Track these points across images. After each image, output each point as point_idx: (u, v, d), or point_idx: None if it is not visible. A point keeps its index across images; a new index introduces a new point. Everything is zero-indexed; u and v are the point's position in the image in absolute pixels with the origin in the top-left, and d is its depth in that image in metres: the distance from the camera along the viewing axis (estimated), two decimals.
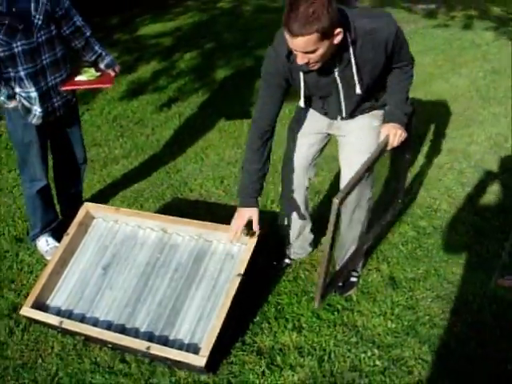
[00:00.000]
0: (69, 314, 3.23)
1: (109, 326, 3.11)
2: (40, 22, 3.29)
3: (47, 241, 3.95)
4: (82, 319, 3.19)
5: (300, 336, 3.12)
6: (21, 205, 4.57)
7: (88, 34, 3.64)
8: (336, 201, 2.65)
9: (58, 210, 4.12)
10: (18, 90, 3.40)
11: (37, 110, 3.45)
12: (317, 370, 2.92)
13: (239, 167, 4.84)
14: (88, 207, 3.59)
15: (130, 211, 3.62)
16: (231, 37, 8.65)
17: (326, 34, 2.43)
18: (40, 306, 3.25)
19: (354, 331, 3.14)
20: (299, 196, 3.33)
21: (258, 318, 3.26)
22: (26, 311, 3.21)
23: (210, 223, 3.35)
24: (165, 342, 2.98)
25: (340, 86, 2.83)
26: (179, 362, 2.84)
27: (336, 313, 3.26)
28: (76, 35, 3.58)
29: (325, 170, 4.58)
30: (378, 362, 2.94)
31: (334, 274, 3.22)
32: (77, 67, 3.71)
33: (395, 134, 2.89)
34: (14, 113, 3.48)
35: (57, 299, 3.33)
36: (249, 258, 3.09)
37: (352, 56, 2.66)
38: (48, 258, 3.83)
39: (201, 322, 3.03)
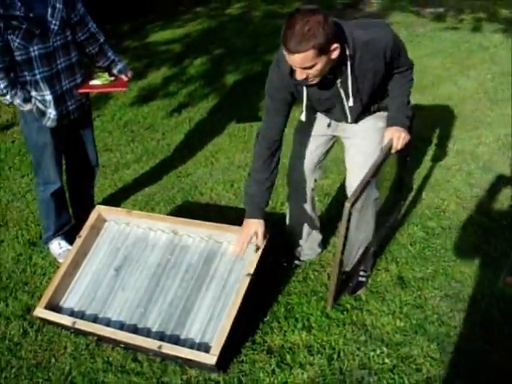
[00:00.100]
0: (82, 315, 3.28)
1: (121, 326, 3.16)
2: (56, 28, 3.37)
3: (60, 244, 4.00)
4: (95, 320, 3.24)
5: (309, 335, 3.16)
6: (34, 209, 4.63)
7: (102, 40, 3.72)
8: (347, 204, 2.72)
9: (71, 214, 4.18)
10: (33, 93, 3.48)
11: (51, 112, 3.52)
12: (326, 368, 2.95)
13: (249, 171, 4.88)
14: (100, 210, 3.64)
15: (141, 213, 3.67)
16: (240, 43, 8.70)
17: (322, 50, 2.50)
18: (53, 307, 3.31)
19: (363, 330, 3.17)
20: (306, 197, 3.38)
21: (268, 317, 3.30)
22: (40, 312, 3.26)
23: (219, 224, 3.40)
24: (176, 341, 3.02)
25: (344, 98, 2.89)
26: (190, 360, 2.88)
27: (345, 312, 3.29)
28: (90, 41, 3.66)
29: (334, 173, 4.62)
30: (386, 360, 2.97)
31: (344, 276, 3.27)
32: (90, 72, 3.79)
33: (399, 138, 2.94)
34: (29, 115, 3.55)
35: (70, 300, 3.38)
36: (258, 258, 3.13)
37: (349, 68, 2.72)
38: (60, 260, 3.89)
39: (211, 321, 3.07)
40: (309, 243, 3.63)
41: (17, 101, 3.44)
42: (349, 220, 2.83)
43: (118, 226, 3.64)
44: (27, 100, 3.46)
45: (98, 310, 3.29)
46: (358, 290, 3.43)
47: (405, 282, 3.48)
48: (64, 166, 3.94)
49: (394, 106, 3.03)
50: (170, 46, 8.93)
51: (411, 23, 8.87)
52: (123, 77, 3.82)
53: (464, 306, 3.28)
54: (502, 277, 3.39)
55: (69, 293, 3.41)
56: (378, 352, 3.02)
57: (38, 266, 3.96)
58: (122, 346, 3.12)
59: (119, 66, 3.82)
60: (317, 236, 3.64)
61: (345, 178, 3.29)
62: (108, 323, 3.20)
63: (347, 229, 2.88)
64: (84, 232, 3.55)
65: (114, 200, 4.62)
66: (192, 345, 2.99)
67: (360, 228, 3.25)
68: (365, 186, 2.83)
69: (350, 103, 2.89)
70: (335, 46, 2.55)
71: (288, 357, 3.03)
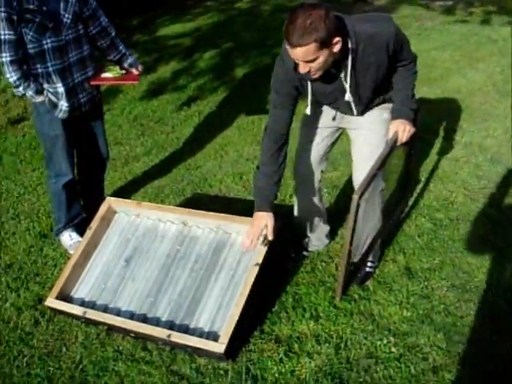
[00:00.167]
0: (92, 305, 3.33)
1: (131, 316, 3.21)
2: (68, 21, 3.43)
3: (71, 235, 4.05)
4: (105, 309, 3.29)
5: (317, 324, 3.19)
6: (45, 202, 4.68)
7: (113, 34, 3.77)
8: (355, 196, 2.77)
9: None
10: (45, 85, 3.53)
11: (63, 104, 3.57)
12: (333, 357, 2.98)
13: (257, 164, 4.91)
14: (110, 202, 3.69)
15: (151, 205, 3.72)
16: (249, 36, 8.73)
17: (324, 44, 2.54)
18: (64, 297, 3.36)
19: (371, 320, 3.19)
20: (313, 189, 3.41)
21: (276, 307, 3.33)
22: (51, 302, 3.32)
23: (228, 215, 3.44)
24: (185, 330, 3.06)
25: (348, 90, 2.92)
26: (199, 349, 2.92)
27: (353, 302, 3.32)
28: (102, 35, 3.71)
29: (342, 165, 4.65)
30: (393, 349, 3.00)
31: (352, 267, 3.30)
32: (102, 65, 3.84)
33: (404, 130, 2.97)
34: (41, 107, 3.61)
35: (80, 291, 3.43)
36: (266, 248, 3.16)
37: (350, 62, 2.76)
38: (71, 252, 3.93)
39: (220, 310, 3.11)
40: (317, 234, 3.66)
41: (29, 93, 3.49)
42: (357, 211, 2.86)
43: (128, 218, 3.68)
44: (39, 92, 3.51)
45: (108, 300, 3.34)
46: (366, 281, 3.46)
47: (412, 272, 3.51)
48: (75, 159, 3.98)
49: (398, 99, 3.06)
50: (179, 40, 8.97)
51: (420, 16, 8.87)
52: (134, 70, 3.86)
53: (471, 296, 3.30)
54: (509, 267, 3.41)
55: (79, 283, 3.46)
56: (385, 341, 3.04)
57: (49, 258, 4.01)
58: (132, 335, 3.16)
59: (130, 59, 3.86)
60: (324, 227, 3.67)
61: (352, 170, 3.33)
62: (118, 313, 3.25)
63: (355, 220, 2.92)
64: (94, 223, 3.59)
65: (124, 192, 4.66)
66: (201, 334, 3.03)
67: (367, 218, 3.27)
68: (372, 178, 2.86)
69: (347, 97, 2.92)
70: (337, 39, 2.59)
71: (296, 346, 3.06)
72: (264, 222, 3.09)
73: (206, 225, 3.49)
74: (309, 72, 2.68)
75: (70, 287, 3.42)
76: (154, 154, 5.46)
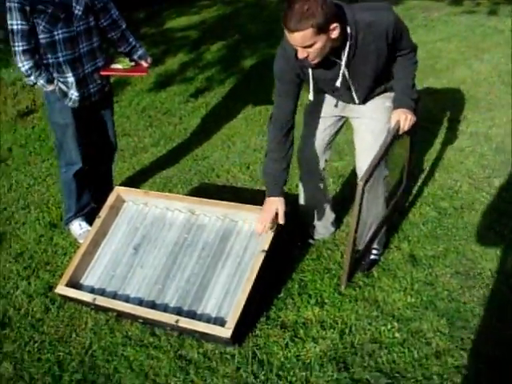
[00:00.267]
0: (101, 292, 3.39)
1: (140, 303, 3.27)
2: (80, 13, 3.50)
3: (80, 225, 4.11)
4: (114, 296, 3.35)
5: (322, 310, 3.24)
6: (54, 193, 4.76)
7: (124, 26, 3.85)
8: (361, 183, 2.81)
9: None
10: (55, 75, 3.61)
11: (73, 93, 3.64)
12: (338, 342, 3.03)
13: (265, 152, 4.96)
14: (119, 191, 3.75)
15: (158, 194, 3.77)
16: (256, 28, 8.76)
17: (321, 29, 2.59)
18: (74, 284, 3.42)
19: (375, 306, 3.24)
20: (318, 177, 3.47)
21: (282, 294, 3.38)
22: (61, 289, 3.38)
23: (235, 204, 3.49)
24: (193, 316, 3.12)
25: (348, 77, 2.97)
26: (206, 334, 2.98)
27: (357, 289, 3.37)
28: (112, 27, 3.79)
29: (348, 155, 4.68)
30: (397, 335, 3.04)
31: (357, 255, 3.34)
32: (112, 57, 3.92)
33: (406, 119, 3.01)
34: (51, 96, 3.68)
35: (90, 278, 3.49)
36: (272, 235, 3.21)
37: (347, 48, 2.81)
38: (81, 241, 3.99)
39: (227, 296, 3.17)
40: (322, 222, 3.71)
41: (40, 81, 3.56)
42: (362, 199, 2.91)
43: (136, 207, 3.74)
44: (50, 81, 3.58)
45: (117, 287, 3.40)
46: (371, 268, 3.50)
47: (416, 259, 3.55)
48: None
49: (399, 89, 3.10)
50: (186, 33, 9.02)
51: (427, 7, 8.86)
52: (143, 63, 3.92)
53: (474, 283, 3.34)
54: None
55: (89, 271, 3.52)
56: (389, 327, 3.09)
57: (58, 247, 4.08)
58: (141, 321, 3.22)
59: (140, 51, 3.92)
60: (330, 215, 3.72)
61: None
62: (127, 300, 3.31)
63: (360, 207, 2.96)
64: (103, 212, 3.65)
65: (133, 183, 4.72)
66: (208, 319, 3.09)
67: (371, 206, 3.31)
68: (376, 165, 2.90)
69: (338, 83, 2.97)
70: (334, 25, 2.63)
71: (301, 331, 3.12)
72: (275, 206, 3.15)
73: (213, 213, 3.55)
74: (307, 58, 2.73)
75: (80, 275, 3.49)
76: (162, 144, 5.52)
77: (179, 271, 3.36)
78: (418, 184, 4.30)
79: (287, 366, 2.94)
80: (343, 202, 4.05)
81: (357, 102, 3.15)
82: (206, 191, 4.47)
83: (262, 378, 2.89)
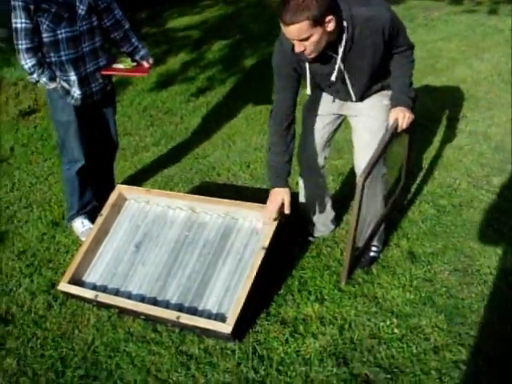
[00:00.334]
0: (103, 289, 3.43)
1: (141, 299, 3.30)
2: (83, 13, 3.55)
3: (83, 222, 4.15)
4: (116, 293, 3.38)
5: (322, 307, 3.27)
6: (56, 191, 4.80)
7: (127, 26, 3.89)
8: (360, 179, 2.86)
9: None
10: (58, 73, 3.65)
11: (75, 91, 3.69)
12: (338, 338, 3.07)
13: (265, 152, 4.99)
14: (120, 189, 3.78)
15: (160, 192, 3.81)
16: (257, 28, 8.79)
17: (317, 22, 2.62)
18: (76, 281, 3.45)
19: (374, 302, 3.28)
20: (317, 175, 3.50)
21: (282, 290, 3.42)
22: (64, 286, 3.41)
23: (235, 201, 3.52)
24: (194, 312, 3.16)
25: (344, 72, 3.00)
26: (207, 330, 3.01)
27: (357, 285, 3.40)
28: (115, 27, 3.83)
29: (348, 153, 4.71)
30: (396, 330, 3.08)
31: (357, 252, 3.38)
32: (114, 57, 3.95)
33: (404, 117, 3.05)
34: (54, 93, 3.72)
35: (92, 275, 3.52)
36: (272, 232, 3.25)
37: (343, 43, 2.84)
38: (83, 239, 4.03)
39: (227, 293, 3.20)
40: (322, 220, 3.74)
41: (43, 79, 3.60)
42: (362, 195, 2.94)
43: (138, 205, 3.77)
44: (52, 79, 3.62)
45: (119, 284, 3.44)
46: (370, 265, 3.54)
47: (415, 256, 3.58)
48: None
49: (396, 87, 3.13)
50: (187, 33, 9.06)
51: (427, 7, 8.89)
52: (145, 63, 3.96)
53: (472, 279, 3.37)
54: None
55: (91, 268, 3.56)
56: (388, 323, 3.12)
57: (61, 245, 4.12)
58: (143, 317, 3.25)
59: (142, 52, 3.96)
60: (329, 213, 3.75)
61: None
62: (129, 296, 3.34)
63: (360, 204, 2.99)
64: (105, 210, 3.69)
65: (134, 181, 4.74)
66: (209, 316, 3.13)
67: (369, 204, 3.34)
68: (375, 162, 2.94)
69: (333, 77, 2.99)
70: (330, 17, 2.66)
71: (301, 327, 3.15)
72: (281, 196, 3.21)
73: (213, 211, 3.58)
74: (304, 51, 2.76)
75: (82, 272, 3.52)
76: (163, 144, 5.56)
77: (180, 268, 3.39)
78: (417, 182, 4.34)
79: (287, 361, 2.97)
80: (343, 200, 4.09)
81: (354, 98, 3.18)
82: (207, 190, 4.50)
83: (262, 372, 2.92)
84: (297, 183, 4.28)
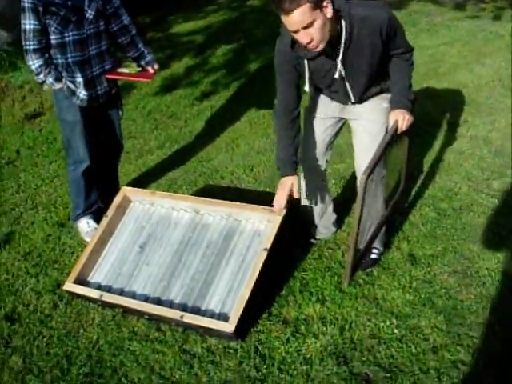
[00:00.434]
0: (108, 289, 3.48)
1: (145, 299, 3.36)
2: (91, 17, 3.62)
3: (88, 222, 4.21)
4: (121, 293, 3.44)
5: (323, 307, 3.32)
6: (62, 193, 4.85)
7: (134, 32, 3.96)
8: (363, 176, 2.91)
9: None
10: (64, 74, 3.72)
11: (81, 92, 3.76)
12: (338, 338, 3.12)
13: (268, 156, 5.06)
14: (125, 191, 3.84)
15: (164, 194, 3.87)
16: (261, 33, 8.82)
17: (316, 4, 2.67)
18: (81, 281, 3.51)
19: (374, 303, 3.33)
20: (319, 178, 3.57)
21: (284, 291, 3.47)
22: (69, 286, 3.47)
23: (238, 203, 3.58)
24: (197, 312, 3.21)
25: (342, 71, 3.06)
26: (210, 329, 3.07)
27: (357, 286, 3.45)
28: (123, 32, 3.91)
29: (349, 158, 4.75)
30: (395, 331, 3.13)
31: (358, 254, 3.43)
32: (120, 61, 4.01)
33: (403, 119, 3.11)
34: (60, 93, 3.80)
35: (97, 275, 3.58)
36: (275, 234, 3.30)
37: (343, 40, 2.90)
38: (87, 239, 4.10)
39: (230, 293, 3.26)
40: (323, 222, 3.79)
41: (49, 79, 3.68)
42: (365, 192, 2.99)
43: (142, 206, 3.83)
44: (59, 79, 3.69)
45: (123, 284, 3.49)
46: (371, 267, 3.58)
47: (415, 258, 3.63)
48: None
49: (396, 90, 3.19)
50: (192, 37, 9.10)
51: (429, 12, 8.93)
52: (150, 68, 4.02)
53: (471, 281, 3.42)
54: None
55: (96, 268, 3.61)
56: (388, 323, 3.17)
57: (66, 246, 4.17)
58: (147, 317, 3.31)
59: (148, 57, 4.03)
60: (331, 215, 3.80)
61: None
62: (133, 296, 3.39)
63: (363, 201, 3.04)
64: (110, 212, 3.74)
65: (139, 184, 4.79)
66: (212, 315, 3.18)
67: (370, 206, 3.39)
68: (377, 161, 2.99)
69: (336, 75, 3.05)
70: (326, 2, 2.71)
71: (302, 327, 3.20)
72: (290, 182, 3.31)
73: (217, 213, 3.64)
74: (311, 43, 2.78)
75: (87, 272, 3.58)
76: (168, 147, 5.62)
77: (184, 269, 3.45)
78: (418, 185, 4.38)
79: (288, 360, 3.02)
80: (344, 203, 4.14)
81: (352, 99, 3.24)
82: (211, 192, 4.55)
83: (264, 371, 2.97)
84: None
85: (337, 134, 3.49)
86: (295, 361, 3.02)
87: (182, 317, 3.10)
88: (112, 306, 3.40)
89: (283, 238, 3.42)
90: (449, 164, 4.66)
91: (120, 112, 4.15)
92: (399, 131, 3.12)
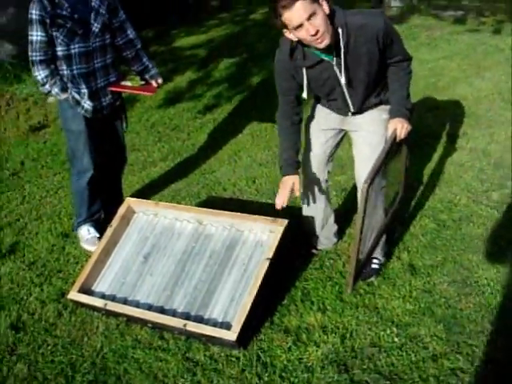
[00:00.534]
0: (112, 298, 3.53)
1: (149, 308, 3.40)
2: (97, 30, 3.70)
3: (89, 230, 4.27)
4: (125, 302, 3.48)
5: (324, 316, 3.37)
6: (66, 204, 4.91)
7: (139, 46, 4.04)
8: (365, 185, 2.96)
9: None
10: (69, 85, 3.79)
11: (86, 102, 3.83)
12: (339, 346, 3.16)
13: (270, 168, 5.12)
14: (130, 202, 3.90)
15: (168, 205, 3.93)
16: (263, 46, 8.91)
17: None
18: (86, 291, 3.56)
19: (375, 312, 3.37)
20: (320, 189, 3.61)
21: (285, 301, 3.51)
22: (73, 295, 3.52)
23: (241, 214, 3.64)
24: (200, 321, 3.25)
25: (340, 78, 3.13)
26: (213, 337, 3.11)
27: (358, 296, 3.49)
28: (128, 46, 3.99)
29: (350, 170, 4.80)
30: (396, 339, 3.17)
31: (360, 262, 3.47)
32: (124, 74, 4.08)
33: (402, 128, 3.17)
34: (65, 103, 3.87)
35: (101, 285, 3.63)
36: (276, 244, 3.35)
37: (342, 48, 2.96)
38: (86, 246, 4.20)
39: (233, 302, 3.30)
40: (325, 233, 3.84)
41: (55, 90, 3.75)
42: (366, 200, 3.03)
43: (146, 217, 3.89)
44: (64, 89, 3.77)
45: (127, 293, 3.54)
46: (371, 277, 3.62)
47: (415, 269, 3.68)
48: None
49: (394, 100, 3.25)
50: (194, 51, 9.20)
51: (429, 26, 9.02)
52: (153, 82, 4.08)
53: (471, 290, 3.46)
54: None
55: (100, 278, 3.66)
56: (388, 332, 3.21)
57: (70, 256, 4.22)
58: (150, 325, 3.35)
59: (152, 71, 4.10)
60: (332, 226, 3.85)
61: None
62: (137, 305, 3.44)
63: (365, 209, 3.08)
64: (115, 222, 3.80)
65: (142, 195, 4.81)
66: (215, 323, 3.22)
67: (370, 215, 3.42)
68: (378, 169, 3.04)
69: (343, 80, 3.11)
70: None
71: (304, 336, 3.24)
72: (291, 181, 3.38)
73: (219, 223, 3.69)
74: (316, 35, 2.83)
75: (92, 282, 3.63)
76: (171, 159, 5.68)
77: (187, 278, 3.50)
78: (419, 197, 4.44)
79: (290, 368, 3.06)
80: (345, 214, 4.19)
81: (351, 108, 3.30)
82: (213, 204, 4.58)
83: (266, 379, 3.01)
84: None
85: (337, 145, 3.56)
86: (297, 369, 3.05)
87: (185, 325, 3.14)
88: (116, 314, 3.45)
89: (285, 249, 3.47)
90: (449, 176, 4.71)
91: (124, 124, 4.21)
92: (398, 139, 3.18)
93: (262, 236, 3.56)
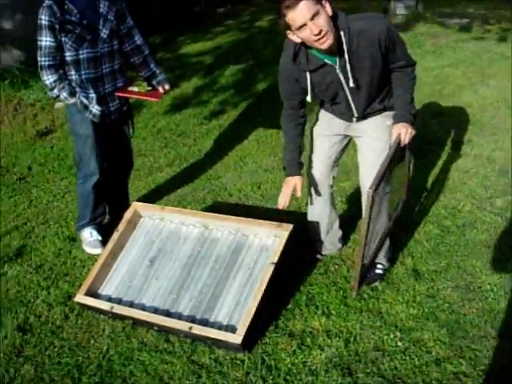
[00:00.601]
0: (118, 301, 3.56)
1: (155, 311, 3.43)
2: (105, 36, 3.76)
3: (91, 233, 4.31)
4: (131, 305, 3.51)
5: (328, 321, 3.39)
6: (73, 209, 4.94)
7: (146, 52, 4.08)
8: (370, 191, 2.99)
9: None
10: (77, 89, 3.84)
11: (94, 106, 3.88)
12: (343, 350, 3.19)
13: (276, 174, 5.15)
14: (136, 206, 3.94)
15: (174, 209, 3.97)
16: (269, 53, 8.93)
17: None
18: (92, 294, 3.59)
19: (379, 317, 3.39)
20: (325, 194, 3.64)
21: (290, 305, 3.54)
22: (80, 298, 3.55)
23: (246, 219, 3.67)
24: (205, 324, 3.28)
25: (344, 82, 3.17)
26: (218, 340, 3.14)
27: (362, 301, 3.52)
28: (135, 52, 4.04)
29: (354, 175, 4.83)
30: (399, 343, 3.19)
31: (365, 266, 3.50)
32: (131, 80, 4.12)
33: (406, 132, 3.20)
34: (73, 107, 3.92)
35: (107, 288, 3.66)
36: (282, 248, 3.39)
37: (346, 52, 3.00)
38: (87, 248, 4.25)
39: (238, 306, 3.33)
40: (329, 238, 3.87)
41: (63, 94, 3.80)
42: (371, 206, 3.06)
43: (152, 221, 3.92)
44: (73, 94, 3.81)
45: (133, 297, 3.57)
46: (375, 281, 3.65)
47: (419, 274, 3.70)
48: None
49: (398, 105, 3.28)
50: (201, 58, 9.24)
51: (435, 34, 9.05)
52: (160, 88, 4.12)
53: (474, 295, 3.49)
54: None
55: (107, 282, 3.70)
56: (392, 336, 3.24)
57: (77, 259, 4.26)
58: (156, 328, 3.38)
59: (159, 77, 4.14)
60: (337, 232, 3.88)
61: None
62: (143, 308, 3.47)
63: (370, 215, 3.11)
64: (121, 226, 3.84)
65: (149, 200, 4.84)
66: (220, 327, 3.25)
67: (375, 220, 3.45)
68: (383, 175, 3.07)
69: (351, 84, 3.14)
70: (324, 1, 2.86)
71: (308, 340, 3.27)
72: (294, 182, 3.45)
73: (225, 228, 3.73)
74: (319, 34, 2.86)
75: (98, 285, 3.66)
76: (177, 164, 5.72)
77: (193, 282, 3.53)
78: (423, 203, 4.46)
79: (294, 371, 3.09)
80: (350, 220, 4.22)
81: (355, 113, 3.33)
82: (219, 209, 4.61)
83: (270, 382, 3.04)
84: (306, 203, 4.43)
85: (343, 150, 3.59)
86: (301, 372, 3.08)
87: (190, 328, 3.18)
88: (122, 317, 3.48)
89: (290, 253, 3.50)
90: (453, 182, 4.74)
91: (131, 130, 4.26)
92: (402, 144, 3.21)
93: (267, 241, 3.60)
